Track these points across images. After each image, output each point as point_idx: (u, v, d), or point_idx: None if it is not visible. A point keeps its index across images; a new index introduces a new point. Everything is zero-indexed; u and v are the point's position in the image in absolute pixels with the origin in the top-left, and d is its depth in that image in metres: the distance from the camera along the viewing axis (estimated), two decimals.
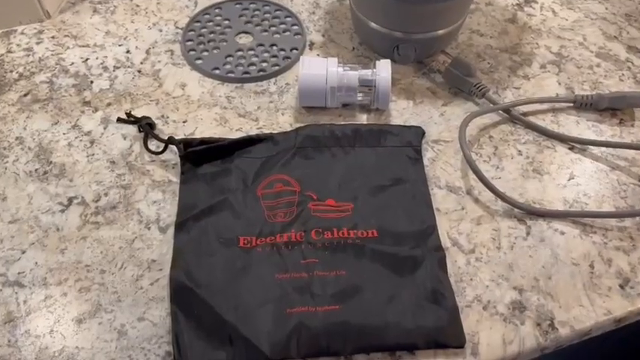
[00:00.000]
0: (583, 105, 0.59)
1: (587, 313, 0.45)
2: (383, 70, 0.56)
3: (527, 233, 0.50)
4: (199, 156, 0.53)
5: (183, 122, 0.58)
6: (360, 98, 0.58)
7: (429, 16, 0.58)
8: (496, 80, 0.62)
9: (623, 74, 0.63)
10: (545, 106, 0.60)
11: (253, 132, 0.57)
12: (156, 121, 0.57)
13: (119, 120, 0.57)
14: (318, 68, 0.56)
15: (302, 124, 0.57)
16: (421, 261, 0.47)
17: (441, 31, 0.60)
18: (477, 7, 0.70)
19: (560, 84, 0.62)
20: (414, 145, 0.55)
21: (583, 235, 0.50)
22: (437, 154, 0.56)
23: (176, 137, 0.55)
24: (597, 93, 0.59)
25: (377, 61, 0.57)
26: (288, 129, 0.57)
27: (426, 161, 0.55)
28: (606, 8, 0.71)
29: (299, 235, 0.48)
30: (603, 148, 0.56)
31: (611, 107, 0.59)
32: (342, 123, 0.57)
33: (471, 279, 0.47)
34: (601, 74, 0.63)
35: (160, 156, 0.54)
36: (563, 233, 0.50)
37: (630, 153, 0.56)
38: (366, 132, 0.56)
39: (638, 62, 0.64)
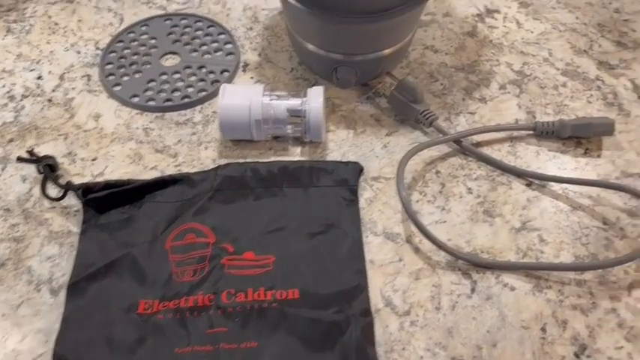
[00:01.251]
0: (544, 133, 0.52)
1: None
2: (314, 99, 0.50)
3: (472, 290, 0.44)
4: (103, 202, 0.47)
5: (93, 160, 0.51)
6: (289, 131, 0.51)
7: (369, 36, 0.51)
8: (449, 105, 0.56)
9: (591, 95, 0.56)
10: (501, 134, 0.53)
11: (170, 170, 0.51)
12: (62, 160, 0.51)
13: (19, 159, 0.51)
14: (241, 98, 0.50)
15: (226, 160, 0.51)
16: (345, 328, 0.41)
17: (386, 51, 0.53)
18: (432, 19, 0.63)
19: (520, 107, 0.55)
20: (350, 184, 0.49)
21: (536, 291, 0.44)
22: (375, 194, 0.49)
23: (83, 178, 0.50)
24: (560, 120, 0.52)
25: (309, 89, 0.51)
26: (210, 166, 0.50)
27: (362, 202, 0.48)
28: (577, 17, 0.64)
29: (207, 297, 0.42)
30: (565, 185, 0.50)
31: (575, 135, 0.52)
32: (270, 160, 0.51)
33: (404, 348, 0.41)
34: (567, 95, 0.56)
35: (62, 202, 0.48)
36: (513, 289, 0.44)
37: (595, 190, 0.49)
38: (295, 170, 0.49)
39: (609, 80, 0.57)
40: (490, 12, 0.64)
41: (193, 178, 0.49)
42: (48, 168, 0.49)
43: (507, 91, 0.57)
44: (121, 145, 0.52)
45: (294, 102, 0.50)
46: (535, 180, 0.50)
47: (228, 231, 0.46)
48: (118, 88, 0.56)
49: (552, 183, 0.50)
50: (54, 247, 0.46)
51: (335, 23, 0.49)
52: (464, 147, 0.52)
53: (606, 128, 0.51)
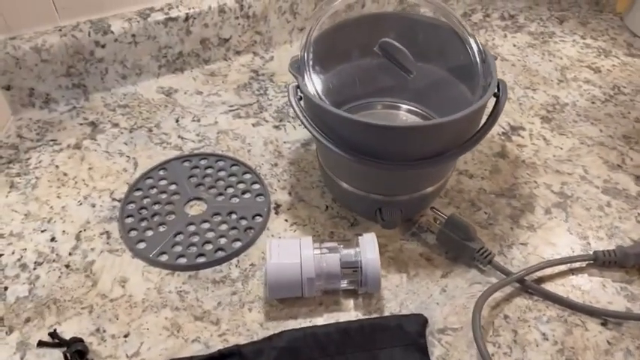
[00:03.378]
0: (606, 263, 0.50)
1: None
2: (369, 248, 0.46)
3: None
4: None
5: (125, 337, 0.45)
6: (344, 285, 0.47)
7: (414, 179, 0.49)
8: (498, 236, 0.53)
9: (638, 213, 0.55)
10: (561, 266, 0.51)
11: (214, 341, 0.45)
12: (89, 339, 0.45)
13: (40, 344, 0.44)
14: (290, 255, 0.46)
15: (274, 323, 0.46)
16: None
17: (430, 189, 0.51)
18: None
19: (571, 233, 0.53)
20: (418, 341, 0.44)
21: None
22: (447, 350, 0.45)
23: (116, 359, 0.43)
24: (619, 248, 0.50)
25: (360, 237, 0.47)
26: (258, 332, 0.45)
27: None
28: (601, 130, 0.64)
29: None
30: None
31: (638, 263, 0.50)
32: (325, 317, 0.46)
33: None
34: (614, 216, 0.55)
35: None
36: None
37: None
38: (356, 331, 0.45)
39: None
40: (515, 129, 0.64)
41: (245, 352, 0.43)
42: (77, 355, 0.43)
43: (554, 216, 0.55)
44: (154, 315, 0.47)
45: (348, 253, 0.47)
46: (610, 318, 0.47)
47: None
48: (142, 245, 0.52)
49: (628, 321, 0.47)
50: None
51: (382, 169, 0.46)
52: (528, 286, 0.48)
53: None
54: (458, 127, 0.45)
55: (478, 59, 0.50)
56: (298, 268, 0.45)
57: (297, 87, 0.47)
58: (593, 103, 0.67)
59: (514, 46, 0.77)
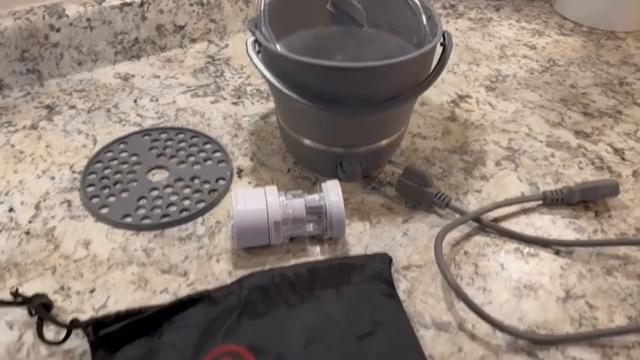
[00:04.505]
0: (554, 201, 0.53)
1: None
2: (332, 192, 0.47)
3: None
4: (115, 338, 0.40)
5: (91, 292, 0.45)
6: (310, 229, 0.48)
7: (372, 127, 0.51)
8: (453, 185, 0.55)
9: (580, 161, 0.59)
10: (514, 207, 0.53)
11: (183, 291, 0.45)
12: (54, 297, 0.44)
13: (2, 303, 0.43)
14: (256, 201, 0.47)
15: (245, 271, 0.46)
16: None
17: (385, 141, 0.53)
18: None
19: (521, 180, 0.56)
20: (385, 276, 0.46)
21: (605, 359, 0.41)
22: (412, 284, 0.46)
23: (84, 314, 0.43)
24: (566, 187, 0.53)
25: (323, 184, 0.49)
26: (227, 280, 0.46)
27: (401, 295, 0.45)
28: (540, 95, 0.68)
29: None
30: (591, 248, 0.49)
31: (583, 200, 0.53)
32: (293, 263, 0.47)
33: None
34: (559, 164, 0.58)
35: (64, 345, 0.41)
36: None
37: (620, 249, 0.50)
38: (325, 270, 0.45)
39: (591, 147, 0.60)
40: (462, 97, 0.67)
41: (215, 296, 0.43)
42: (43, 308, 0.42)
43: (504, 167, 0.58)
44: (120, 272, 0.46)
45: (312, 198, 0.48)
46: (561, 247, 0.50)
47: (267, 348, 0.40)
48: (105, 211, 0.51)
49: (579, 248, 0.49)
50: None
51: (342, 116, 0.48)
52: (484, 224, 0.51)
53: (612, 190, 0.53)
54: (410, 70, 0.47)
55: (424, 17, 0.53)
56: (264, 213, 0.46)
57: (255, 41, 0.49)
58: (531, 73, 0.72)
59: (456, 30, 0.81)
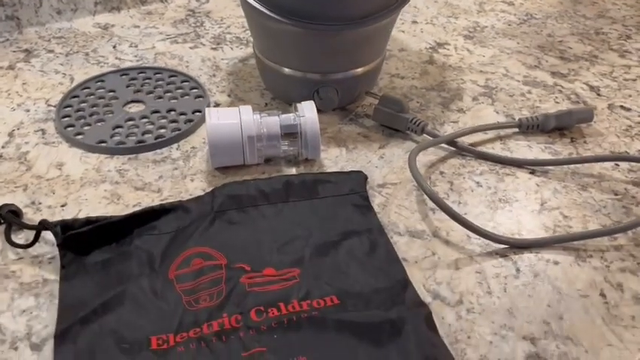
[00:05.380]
0: (530, 127, 0.53)
1: (619, 352, 0.35)
2: (307, 110, 0.47)
3: (517, 270, 0.40)
4: (85, 241, 0.40)
5: (62, 206, 0.44)
6: (285, 148, 0.48)
7: (347, 50, 0.51)
8: (430, 117, 0.55)
9: (556, 97, 0.59)
10: (490, 134, 0.53)
11: (157, 204, 0.45)
12: (25, 210, 0.44)
13: None
14: (230, 117, 0.47)
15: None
16: (402, 324, 0.35)
17: (361, 69, 0.53)
18: (390, 54, 0.65)
19: (498, 113, 0.56)
20: (359, 191, 0.45)
21: (579, 261, 0.41)
22: (387, 199, 0.46)
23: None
24: (542, 114, 0.54)
25: (298, 104, 0.49)
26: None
27: (376, 208, 0.45)
28: (518, 43, 0.69)
29: (234, 319, 0.35)
30: (565, 167, 0.50)
31: (558, 127, 0.54)
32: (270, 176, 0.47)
33: (469, 336, 0.36)
34: (535, 99, 0.58)
35: (30, 250, 0.40)
36: (557, 263, 0.41)
37: (595, 168, 0.50)
38: (299, 184, 0.45)
39: (567, 85, 0.61)
40: (440, 45, 0.68)
41: (188, 205, 0.43)
42: (12, 214, 0.41)
43: (481, 102, 0.58)
44: (93, 189, 0.46)
45: (287, 117, 0.48)
46: (537, 167, 0.50)
47: (239, 251, 0.40)
48: (80, 137, 0.51)
49: (554, 168, 0.50)
50: (28, 299, 0.37)
51: (316, 32, 0.48)
52: (460, 147, 0.51)
53: (587, 115, 0.53)
54: None
55: None
56: (238, 128, 0.46)
57: None
58: (509, 25, 0.73)
59: None
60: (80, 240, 0.39)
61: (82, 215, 0.44)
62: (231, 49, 0.65)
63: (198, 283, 0.38)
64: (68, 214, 0.44)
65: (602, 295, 0.39)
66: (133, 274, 0.38)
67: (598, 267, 0.41)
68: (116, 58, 0.63)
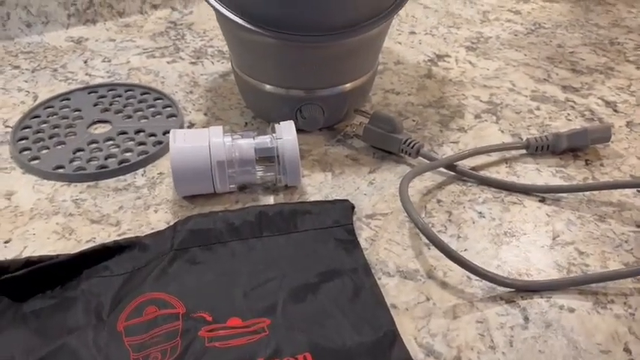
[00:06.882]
0: (539, 148, 0.47)
1: None
2: (286, 131, 0.42)
3: (526, 318, 0.34)
4: (23, 285, 0.34)
5: (5, 243, 0.39)
6: (260, 174, 0.43)
7: (332, 64, 0.45)
8: (427, 137, 0.50)
9: (568, 114, 0.53)
10: (494, 157, 0.48)
11: (111, 241, 0.39)
12: None
13: None
14: (198, 139, 0.41)
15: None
16: None
17: (349, 85, 0.48)
18: (385, 67, 0.60)
19: (503, 132, 0.51)
20: (344, 223, 0.40)
21: (599, 308, 0.35)
22: (376, 232, 0.40)
23: None
24: (553, 133, 0.48)
25: (276, 125, 0.43)
26: None
27: (363, 243, 0.39)
28: (525, 55, 0.63)
29: None
30: (580, 195, 0.44)
31: (571, 148, 0.48)
32: (242, 207, 0.41)
33: None
34: (545, 116, 0.53)
35: None
36: (572, 310, 0.35)
37: (614, 195, 0.44)
38: (274, 215, 0.40)
39: (580, 100, 0.55)
40: (440, 57, 0.62)
41: (145, 242, 0.38)
42: None
43: (484, 120, 0.52)
44: (44, 222, 0.41)
45: (263, 139, 0.42)
46: (548, 195, 0.44)
47: (200, 297, 0.34)
48: (35, 162, 0.46)
49: (567, 195, 0.44)
50: None
51: (296, 44, 0.43)
52: (461, 172, 0.45)
53: (603, 134, 0.48)
54: None
55: None
56: (206, 152, 0.41)
57: None
58: (515, 35, 0.67)
59: None
60: (17, 284, 0.34)
61: (27, 253, 0.38)
62: (212, 63, 0.60)
63: (151, 336, 0.32)
64: (11, 252, 0.38)
65: (627, 350, 0.33)
66: (76, 326, 0.33)
67: (621, 315, 0.35)
68: (86, 74, 0.58)
